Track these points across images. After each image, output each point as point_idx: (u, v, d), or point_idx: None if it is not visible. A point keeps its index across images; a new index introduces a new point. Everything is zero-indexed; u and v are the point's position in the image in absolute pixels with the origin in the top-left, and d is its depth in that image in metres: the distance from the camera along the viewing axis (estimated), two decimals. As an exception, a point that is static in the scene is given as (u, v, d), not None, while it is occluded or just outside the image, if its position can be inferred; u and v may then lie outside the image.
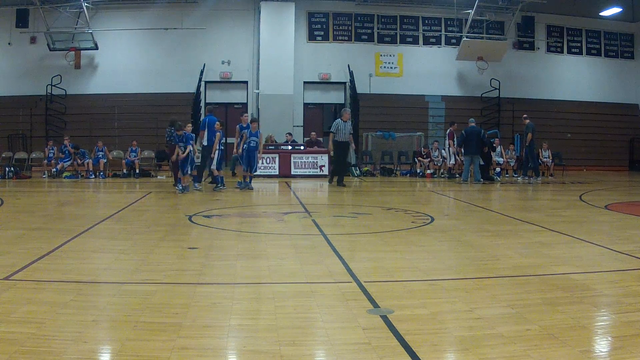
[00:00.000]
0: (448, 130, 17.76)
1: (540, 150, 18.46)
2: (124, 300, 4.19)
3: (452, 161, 17.48)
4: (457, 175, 17.24)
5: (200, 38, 21.07)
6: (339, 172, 14.60)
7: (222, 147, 13.67)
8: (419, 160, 18.55)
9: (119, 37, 20.73)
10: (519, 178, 16.88)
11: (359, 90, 21.25)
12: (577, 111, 22.55)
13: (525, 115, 16.58)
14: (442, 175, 17.79)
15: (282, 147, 17.87)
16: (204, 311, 3.95)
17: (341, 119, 14.26)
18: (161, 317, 3.80)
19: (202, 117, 17.79)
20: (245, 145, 12.91)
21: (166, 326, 3.60)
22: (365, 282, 4.69)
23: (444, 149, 17.84)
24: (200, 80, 20.76)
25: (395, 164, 19.78)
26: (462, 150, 16.34)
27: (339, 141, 14.22)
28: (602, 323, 3.84)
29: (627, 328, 3.62)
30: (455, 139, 16.99)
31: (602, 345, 3.41)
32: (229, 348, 3.36)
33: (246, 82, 21.72)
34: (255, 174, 13.68)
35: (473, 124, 16.12)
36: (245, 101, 21.73)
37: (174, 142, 12.64)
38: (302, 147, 17.97)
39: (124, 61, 20.77)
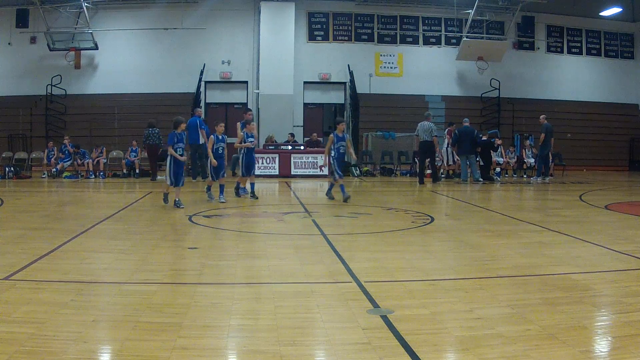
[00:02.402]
0: (447, 130, 17.75)
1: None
2: (124, 300, 4.19)
3: (451, 162, 17.45)
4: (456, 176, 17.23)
5: (200, 38, 21.08)
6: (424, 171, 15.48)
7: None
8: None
9: (119, 37, 20.74)
10: (546, 179, 16.45)
11: (359, 90, 21.24)
12: (577, 111, 22.54)
13: (543, 116, 16.61)
14: (440, 177, 17.71)
15: (282, 147, 17.87)
16: (204, 311, 3.95)
17: (427, 121, 15.30)
18: (161, 317, 3.80)
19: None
20: (334, 153, 11.02)
21: (166, 326, 3.60)
22: (365, 282, 4.68)
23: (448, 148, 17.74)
24: (200, 80, 20.75)
25: (395, 164, 19.76)
26: (457, 150, 16.43)
27: (428, 141, 15.17)
28: (602, 323, 3.83)
29: (627, 328, 3.62)
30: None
31: (602, 345, 3.41)
32: (229, 348, 3.36)
33: (246, 82, 21.73)
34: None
35: (467, 124, 16.21)
36: (245, 101, 21.72)
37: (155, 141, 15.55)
38: (302, 147, 17.97)
39: (124, 61, 20.78)
